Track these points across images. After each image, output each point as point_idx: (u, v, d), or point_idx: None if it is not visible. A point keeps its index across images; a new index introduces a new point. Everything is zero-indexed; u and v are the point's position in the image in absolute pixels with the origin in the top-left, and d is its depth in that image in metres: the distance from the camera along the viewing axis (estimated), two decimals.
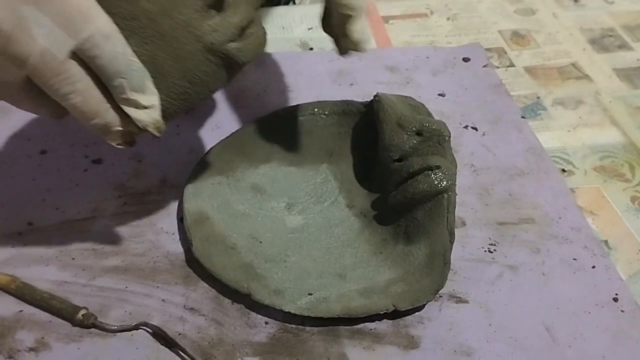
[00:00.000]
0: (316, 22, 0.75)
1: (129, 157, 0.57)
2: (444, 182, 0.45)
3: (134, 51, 0.38)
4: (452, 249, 0.45)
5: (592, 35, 0.75)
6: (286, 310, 0.43)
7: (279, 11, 0.78)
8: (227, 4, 0.40)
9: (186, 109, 0.42)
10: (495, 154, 0.59)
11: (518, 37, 0.75)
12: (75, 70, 0.36)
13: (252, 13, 0.41)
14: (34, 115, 0.61)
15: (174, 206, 0.53)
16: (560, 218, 0.53)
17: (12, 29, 0.33)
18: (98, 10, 0.36)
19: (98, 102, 0.38)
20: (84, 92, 0.37)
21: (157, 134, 0.41)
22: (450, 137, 0.48)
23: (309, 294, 0.44)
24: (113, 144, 0.41)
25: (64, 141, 0.59)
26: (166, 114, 0.41)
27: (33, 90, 0.37)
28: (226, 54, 0.41)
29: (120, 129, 0.40)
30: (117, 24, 0.37)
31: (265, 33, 0.43)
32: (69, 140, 0.59)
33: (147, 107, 0.39)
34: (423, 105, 0.53)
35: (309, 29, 0.75)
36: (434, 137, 0.47)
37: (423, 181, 0.46)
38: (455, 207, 0.46)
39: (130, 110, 0.39)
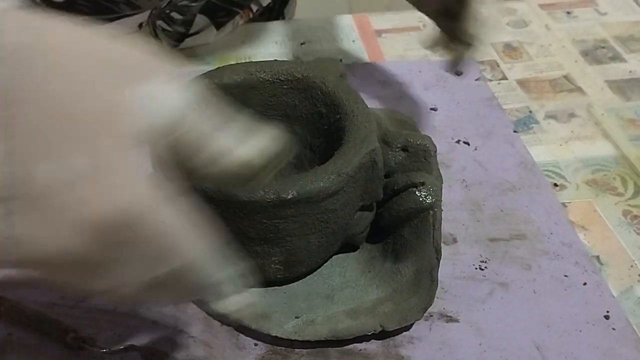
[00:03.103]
0: (309, 37, 0.76)
1: None
2: (429, 199, 0.45)
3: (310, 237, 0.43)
4: (439, 266, 0.45)
5: (585, 46, 0.75)
6: (273, 334, 0.43)
7: (272, 26, 0.78)
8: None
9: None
10: (487, 168, 0.59)
11: (510, 50, 0.75)
12: None
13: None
14: None
15: None
16: (551, 233, 0.53)
17: None
18: None
19: None
20: None
21: None
22: (436, 151, 0.48)
23: (295, 317, 0.44)
24: None
25: None
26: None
27: None
28: (353, 241, 0.47)
29: None
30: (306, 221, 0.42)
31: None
32: None
33: None
34: (411, 118, 0.53)
35: (301, 44, 0.75)
36: (419, 153, 0.47)
37: (408, 198, 0.45)
38: (441, 223, 0.45)
39: None
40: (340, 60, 0.71)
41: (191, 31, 0.70)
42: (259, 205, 0.41)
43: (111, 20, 0.66)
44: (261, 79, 0.50)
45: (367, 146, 0.44)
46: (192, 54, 0.72)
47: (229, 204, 0.41)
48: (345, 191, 0.43)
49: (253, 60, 0.58)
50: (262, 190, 0.41)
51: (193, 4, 0.67)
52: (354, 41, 0.76)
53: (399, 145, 0.48)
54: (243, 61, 0.61)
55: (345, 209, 0.44)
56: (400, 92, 0.67)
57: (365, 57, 0.73)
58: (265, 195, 0.41)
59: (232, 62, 0.69)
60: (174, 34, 0.70)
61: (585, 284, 0.49)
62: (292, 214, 0.41)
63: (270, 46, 0.75)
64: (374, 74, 0.69)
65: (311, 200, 0.41)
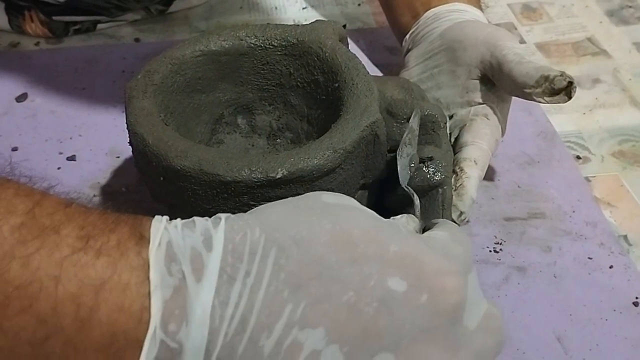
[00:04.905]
0: (311, 1, 0.72)
1: (105, 152, 0.54)
2: (438, 176, 0.41)
3: None
4: None
5: (610, 6, 0.71)
6: None
7: None
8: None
9: None
10: (503, 139, 0.55)
11: (529, 11, 0.71)
12: None
13: None
14: (3, 111, 0.57)
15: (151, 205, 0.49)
16: (574, 211, 0.49)
17: None
18: None
19: None
20: None
21: None
22: (446, 123, 0.44)
23: None
24: None
25: (36, 137, 0.55)
26: None
27: None
28: None
29: None
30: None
31: None
32: (42, 136, 0.55)
33: None
34: (418, 86, 0.48)
35: (303, 8, 0.71)
36: (427, 124, 0.43)
37: (414, 175, 0.41)
38: (451, 202, 0.42)
39: None
40: (344, 26, 0.67)
41: None
42: (245, 185, 0.37)
43: (102, 22, 0.67)
44: (252, 45, 0.46)
45: (368, 118, 0.40)
46: (184, 22, 0.68)
47: (211, 185, 0.37)
48: (342, 169, 0.39)
49: None
50: (249, 168, 0.37)
51: None
52: (359, 5, 0.72)
53: (404, 117, 0.44)
54: None
55: (344, 188, 0.40)
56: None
57: (372, 21, 0.70)
58: (251, 175, 0.37)
59: None
60: None
61: (611, 267, 0.46)
62: (283, 195, 0.37)
63: (270, 12, 0.71)
64: (380, 40, 0.66)
65: (303, 179, 0.37)
